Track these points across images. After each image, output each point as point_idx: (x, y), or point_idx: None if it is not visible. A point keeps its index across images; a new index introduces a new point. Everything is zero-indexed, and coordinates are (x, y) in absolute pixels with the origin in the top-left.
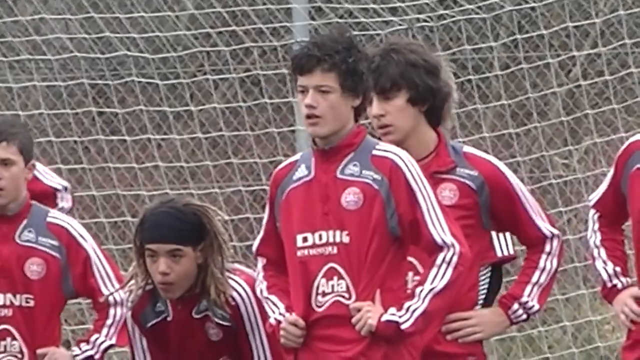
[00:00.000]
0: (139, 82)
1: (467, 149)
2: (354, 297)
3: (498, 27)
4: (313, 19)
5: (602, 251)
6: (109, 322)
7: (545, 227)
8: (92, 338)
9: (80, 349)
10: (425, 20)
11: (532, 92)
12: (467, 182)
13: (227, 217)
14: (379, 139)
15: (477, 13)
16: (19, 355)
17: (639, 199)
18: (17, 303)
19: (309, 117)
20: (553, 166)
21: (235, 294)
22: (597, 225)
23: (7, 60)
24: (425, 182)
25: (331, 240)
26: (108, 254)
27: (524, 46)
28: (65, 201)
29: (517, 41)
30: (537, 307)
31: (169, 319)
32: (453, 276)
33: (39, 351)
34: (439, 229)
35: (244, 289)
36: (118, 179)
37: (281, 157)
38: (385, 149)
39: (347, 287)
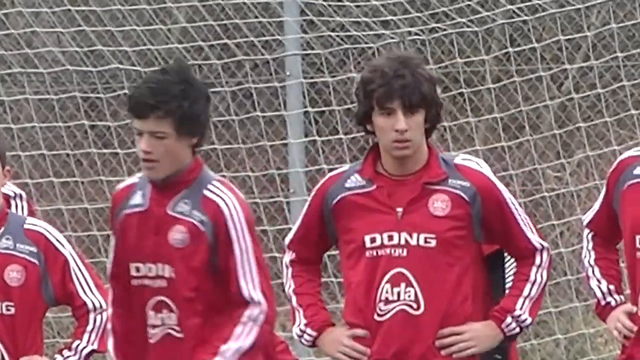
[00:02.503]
0: None
1: (458, 160)
2: (183, 334)
3: (490, 40)
4: (305, 32)
5: (596, 270)
6: (89, 328)
7: (535, 239)
8: (74, 345)
9: (62, 355)
10: (417, 34)
11: (524, 105)
12: (459, 192)
13: None
14: (372, 158)
15: (469, 26)
16: None
17: (630, 216)
18: None
19: (145, 160)
20: (545, 179)
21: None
22: (591, 245)
23: None
24: (246, 233)
25: (160, 273)
26: (100, 267)
27: (516, 59)
28: (19, 210)
29: (509, 54)
30: (529, 320)
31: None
32: (259, 335)
33: (23, 359)
34: (250, 283)
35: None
36: (110, 192)
37: (273, 170)
38: (215, 191)
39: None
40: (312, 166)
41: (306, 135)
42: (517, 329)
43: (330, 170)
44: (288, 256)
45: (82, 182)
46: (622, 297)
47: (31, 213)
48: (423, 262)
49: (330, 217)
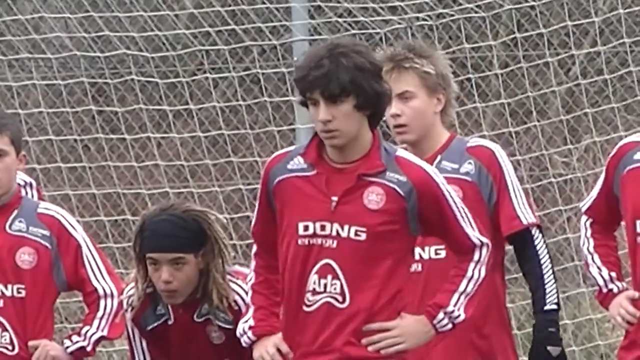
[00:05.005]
0: (139, 80)
1: (400, 152)
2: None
3: (497, 26)
4: (312, 17)
5: (596, 257)
6: (99, 314)
7: (474, 235)
8: (83, 330)
9: (71, 341)
10: (424, 19)
11: (532, 91)
12: (394, 187)
13: (227, 216)
14: (317, 142)
15: (477, 12)
16: (10, 347)
17: (630, 200)
18: (8, 293)
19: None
20: (553, 165)
21: (237, 298)
22: (589, 232)
23: (7, 59)
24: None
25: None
26: (108, 252)
27: (524, 45)
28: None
29: (517, 40)
30: (463, 316)
31: (170, 322)
32: None
33: (31, 343)
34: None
35: (246, 292)
36: (118, 178)
37: None
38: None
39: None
40: None
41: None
42: (450, 325)
43: None
44: (254, 247)
45: (90, 168)
46: (623, 283)
47: (40, 200)
48: (351, 255)
49: (272, 197)
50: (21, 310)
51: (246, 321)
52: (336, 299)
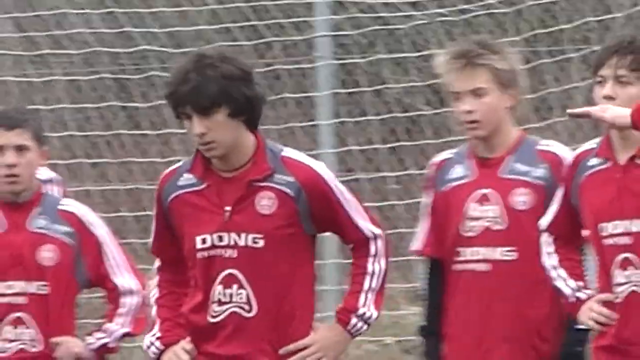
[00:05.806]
0: (161, 76)
1: (286, 152)
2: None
3: (519, 22)
4: (334, 13)
5: (562, 271)
6: (122, 310)
7: (366, 227)
8: (106, 327)
9: (94, 337)
10: (446, 15)
11: (554, 87)
12: (283, 189)
13: None
14: (202, 154)
15: (499, 7)
16: (33, 344)
17: (589, 206)
18: (31, 290)
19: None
20: None
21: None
22: (552, 248)
23: (29, 55)
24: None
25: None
26: (130, 248)
27: (546, 40)
28: (52, 193)
29: (539, 36)
30: (375, 314)
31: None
32: None
33: (53, 340)
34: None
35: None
36: (140, 173)
37: (303, 151)
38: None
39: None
40: (342, 147)
41: (336, 117)
42: (365, 327)
43: (362, 152)
44: (156, 262)
45: (113, 163)
46: (591, 291)
47: (65, 196)
48: (253, 263)
49: (168, 215)
50: (44, 307)
51: (153, 334)
52: (243, 308)
